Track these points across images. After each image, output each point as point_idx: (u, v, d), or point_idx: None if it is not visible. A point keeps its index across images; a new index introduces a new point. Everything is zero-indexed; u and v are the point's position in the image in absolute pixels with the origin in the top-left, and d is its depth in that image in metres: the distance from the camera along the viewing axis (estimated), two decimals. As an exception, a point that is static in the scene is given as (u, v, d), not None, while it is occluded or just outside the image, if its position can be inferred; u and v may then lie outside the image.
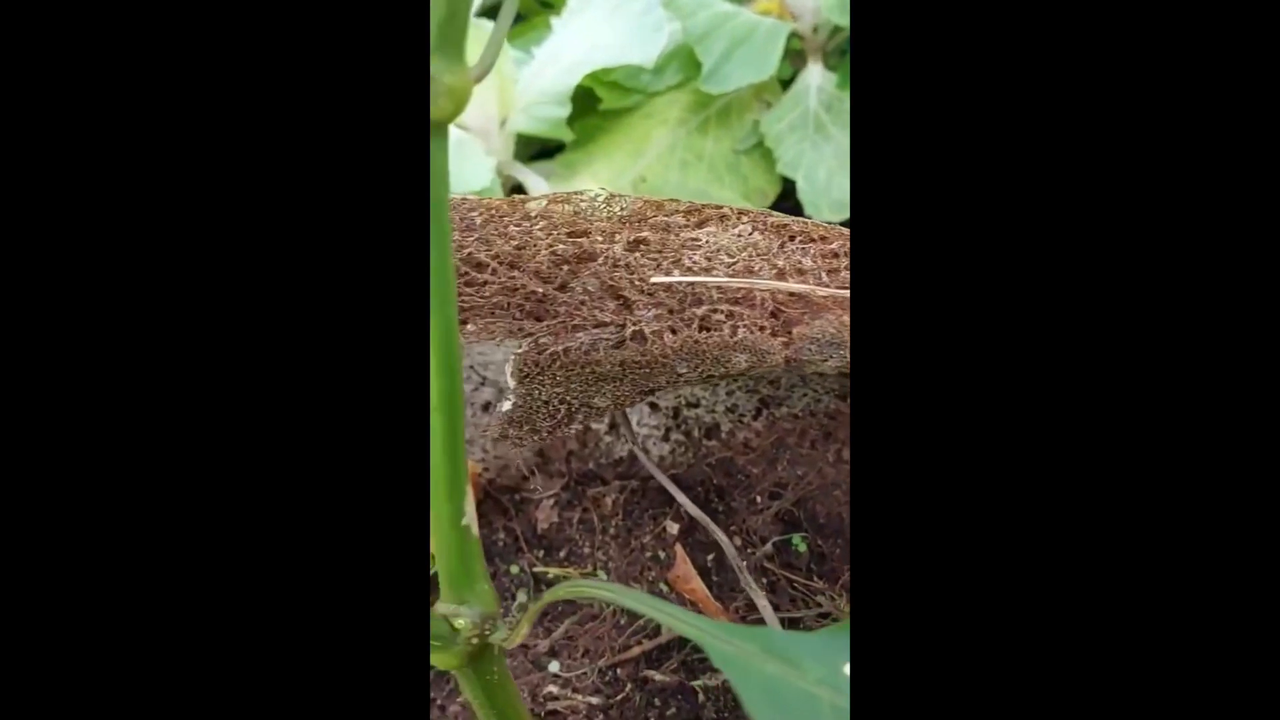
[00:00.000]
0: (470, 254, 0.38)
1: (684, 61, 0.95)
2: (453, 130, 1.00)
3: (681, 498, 0.51)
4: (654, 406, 0.57)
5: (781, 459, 0.54)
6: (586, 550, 0.56)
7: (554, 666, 0.51)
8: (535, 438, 0.39)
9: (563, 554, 0.57)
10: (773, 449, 0.54)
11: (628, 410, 0.54)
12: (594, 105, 0.96)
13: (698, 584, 0.51)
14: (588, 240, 0.36)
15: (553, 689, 0.50)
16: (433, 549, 0.33)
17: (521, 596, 0.55)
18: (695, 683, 0.50)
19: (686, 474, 0.57)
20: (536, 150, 1.01)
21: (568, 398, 0.37)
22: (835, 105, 0.92)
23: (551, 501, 0.59)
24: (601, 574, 0.54)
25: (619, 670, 0.50)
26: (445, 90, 0.26)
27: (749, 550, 0.53)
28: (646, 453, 0.56)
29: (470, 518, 0.32)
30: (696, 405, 0.56)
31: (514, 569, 0.57)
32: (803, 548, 0.52)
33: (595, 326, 0.33)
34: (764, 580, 0.52)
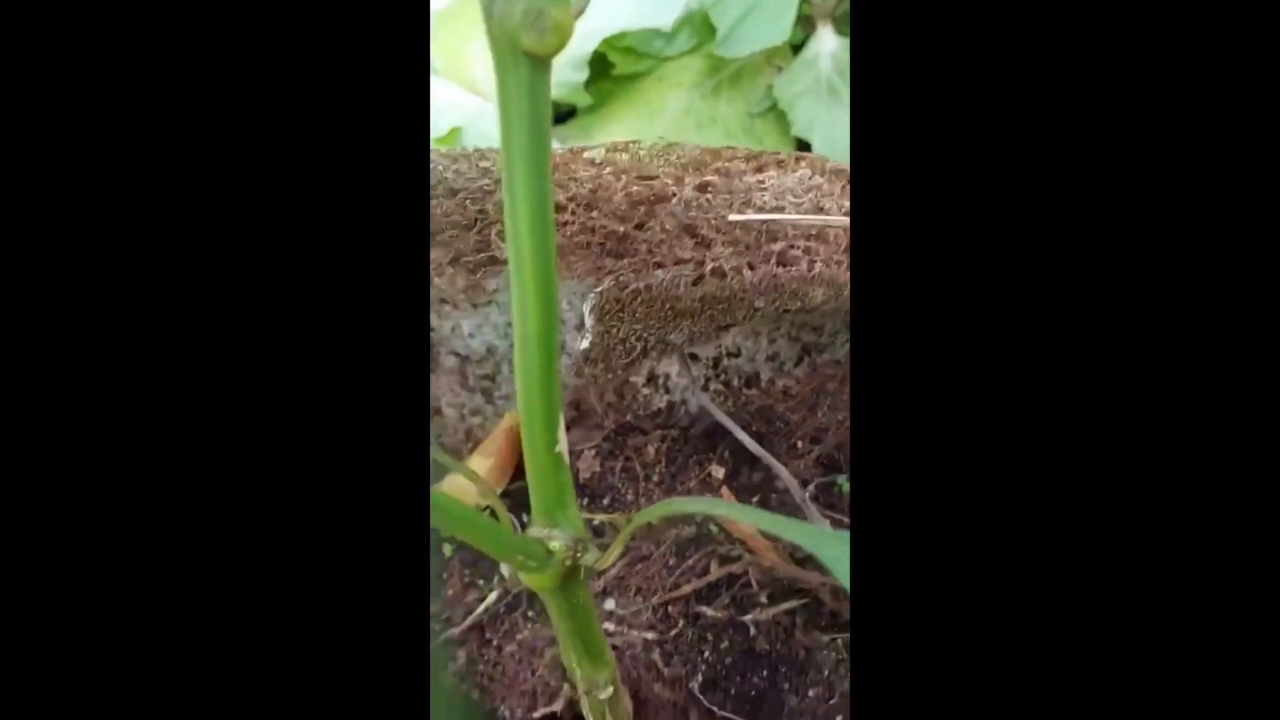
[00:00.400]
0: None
1: (697, 26, 0.96)
2: (474, 98, 1.00)
3: (738, 432, 0.53)
4: (694, 357, 0.59)
5: (822, 405, 0.56)
6: (630, 497, 0.58)
7: (609, 604, 0.52)
8: (609, 375, 0.40)
9: (606, 501, 0.58)
10: (813, 395, 0.56)
11: (670, 358, 0.56)
12: (607, 71, 0.97)
13: (745, 523, 0.53)
14: (658, 183, 0.37)
15: (609, 625, 0.51)
16: (527, 476, 0.35)
17: (571, 541, 0.57)
18: (746, 617, 0.52)
19: (721, 426, 0.59)
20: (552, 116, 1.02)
21: (644, 334, 0.39)
22: (847, 69, 0.93)
23: (593, 452, 0.61)
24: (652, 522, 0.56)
25: (670, 608, 0.52)
26: (551, 25, 0.28)
27: (790, 492, 0.55)
28: (705, 392, 0.58)
29: (563, 446, 0.34)
30: (737, 355, 0.57)
31: (561, 517, 0.58)
32: (846, 488, 0.54)
33: (675, 264, 0.35)
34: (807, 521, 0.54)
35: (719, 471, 0.56)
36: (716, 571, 0.53)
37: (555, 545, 0.34)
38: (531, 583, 0.35)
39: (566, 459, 0.34)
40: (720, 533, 0.54)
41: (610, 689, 0.40)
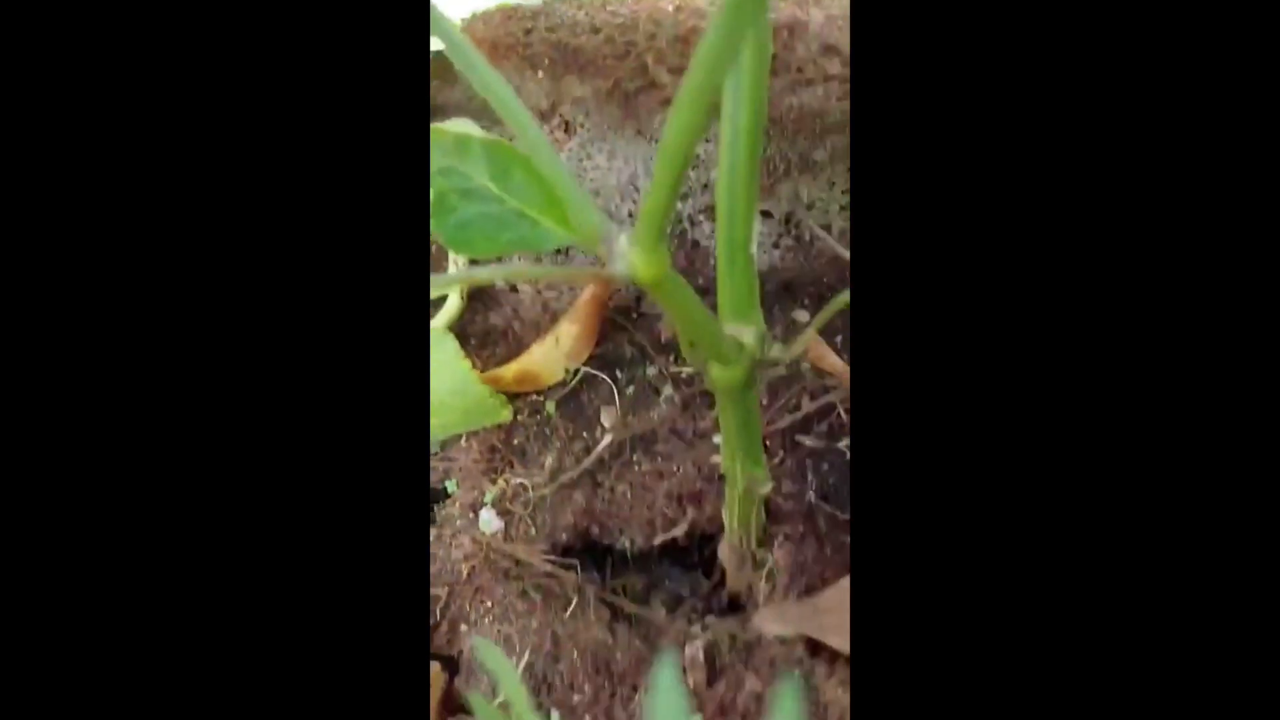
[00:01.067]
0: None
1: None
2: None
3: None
4: (765, 215, 0.62)
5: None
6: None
7: (715, 438, 0.57)
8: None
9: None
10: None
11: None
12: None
13: (832, 358, 0.58)
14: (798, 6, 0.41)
15: (714, 458, 0.56)
16: (719, 276, 0.38)
17: (667, 389, 0.60)
18: (840, 444, 0.56)
19: (797, 277, 0.63)
20: None
21: (789, 153, 0.42)
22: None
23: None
24: (740, 363, 0.60)
25: (769, 441, 0.57)
26: None
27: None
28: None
29: (754, 245, 0.37)
30: (811, 207, 0.61)
31: (649, 371, 0.62)
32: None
33: (825, 80, 0.38)
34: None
35: (803, 315, 0.60)
36: (809, 405, 0.57)
37: (748, 340, 0.38)
38: (722, 379, 0.39)
39: (755, 257, 0.37)
40: (810, 370, 0.59)
41: (768, 486, 0.44)
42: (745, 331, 0.38)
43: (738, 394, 0.40)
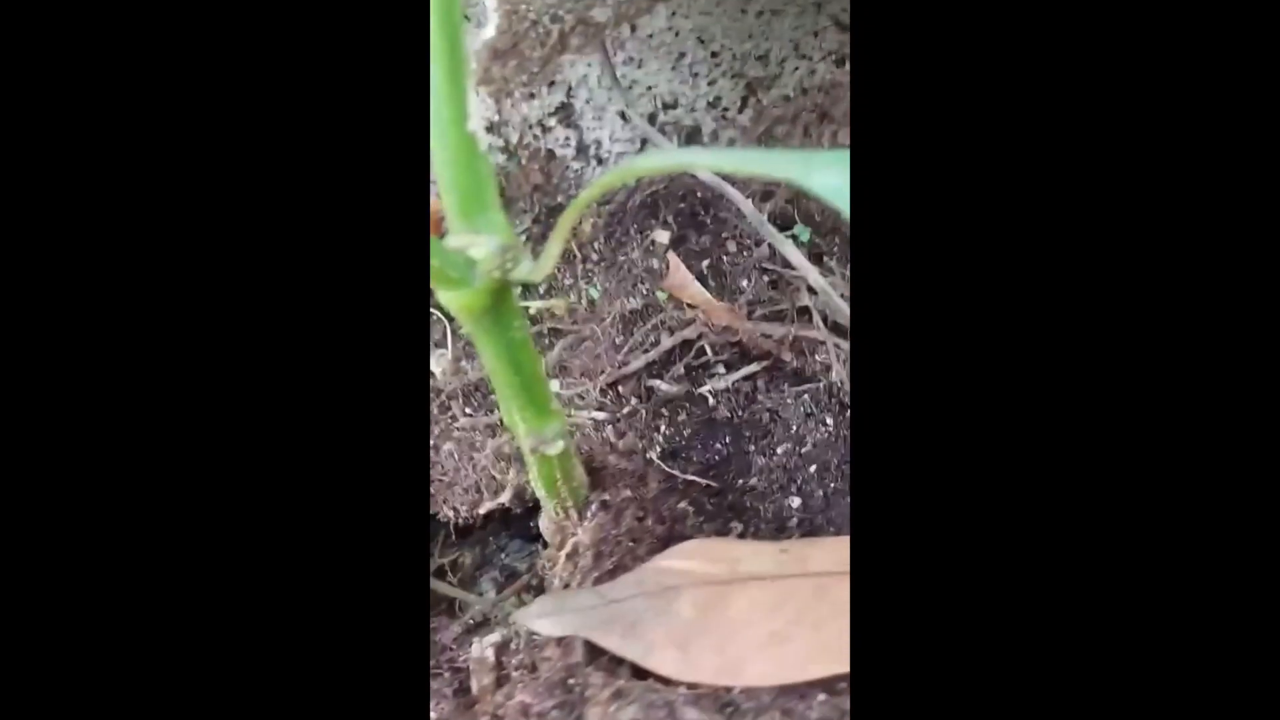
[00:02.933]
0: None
1: None
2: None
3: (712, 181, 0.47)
4: (623, 117, 0.52)
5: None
6: (569, 281, 0.52)
7: (553, 385, 0.47)
8: (523, 76, 0.33)
9: (542, 290, 0.53)
10: (762, 142, 0.50)
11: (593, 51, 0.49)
12: None
13: (696, 288, 0.48)
14: None
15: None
16: (437, 171, 0.29)
17: (505, 329, 0.51)
18: (703, 389, 0.47)
19: (668, 188, 0.53)
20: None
21: (561, 12, 0.32)
22: None
23: (524, 238, 0.55)
24: (590, 295, 0.50)
25: (621, 386, 0.48)
26: None
27: (744, 253, 0.50)
28: (634, 118, 0.51)
29: (476, 123, 0.28)
30: (674, 105, 0.51)
31: (491, 308, 0.52)
32: (805, 237, 0.49)
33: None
34: (764, 279, 0.49)
35: (663, 236, 0.50)
36: (668, 340, 0.48)
37: (478, 253, 0.28)
38: (456, 305, 0.30)
39: (481, 142, 0.27)
40: (669, 301, 0.49)
41: (560, 444, 0.35)
42: (477, 241, 0.28)
43: (488, 323, 0.31)
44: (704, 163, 0.25)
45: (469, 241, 0.29)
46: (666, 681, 0.29)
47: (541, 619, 0.32)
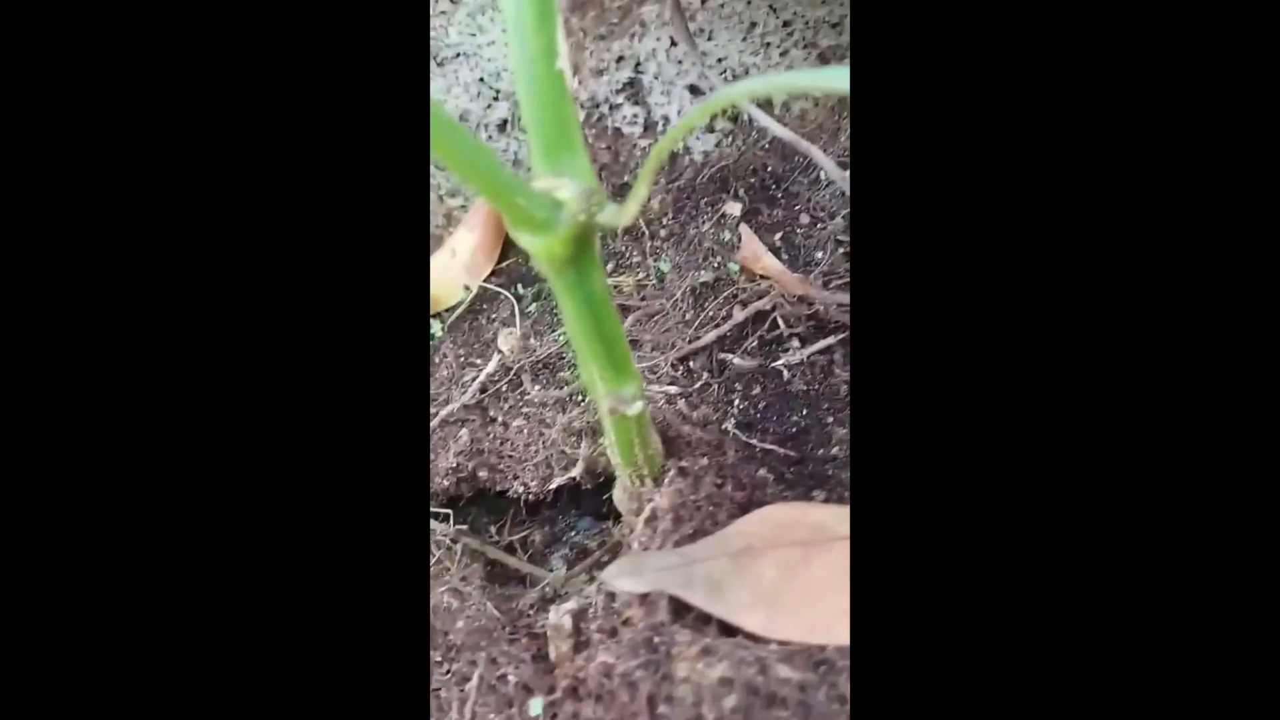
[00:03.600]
0: None
1: None
2: None
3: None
4: (695, 90, 0.52)
5: (845, 128, 0.49)
6: (637, 259, 0.52)
7: (624, 360, 0.47)
8: (601, 29, 0.33)
9: (610, 267, 0.52)
10: (834, 119, 0.49)
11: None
12: None
13: (769, 260, 0.47)
14: None
15: (625, 383, 0.46)
16: (523, 111, 0.28)
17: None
18: (777, 363, 0.46)
19: (738, 161, 0.52)
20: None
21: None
22: None
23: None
24: (660, 270, 0.50)
25: (692, 361, 0.47)
26: None
27: (818, 225, 0.49)
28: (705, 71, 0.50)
29: (564, 61, 0.27)
30: (746, 76, 0.50)
31: (559, 286, 0.52)
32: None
33: None
34: (839, 251, 0.48)
35: (735, 209, 0.49)
36: (741, 315, 0.47)
37: (564, 195, 0.28)
38: (538, 251, 0.29)
39: (570, 81, 0.27)
40: (741, 274, 0.48)
41: (639, 404, 0.34)
42: (561, 184, 0.28)
43: (571, 274, 0.30)
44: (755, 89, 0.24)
45: (554, 184, 0.28)
46: (755, 639, 0.28)
47: (624, 577, 0.31)
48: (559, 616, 0.35)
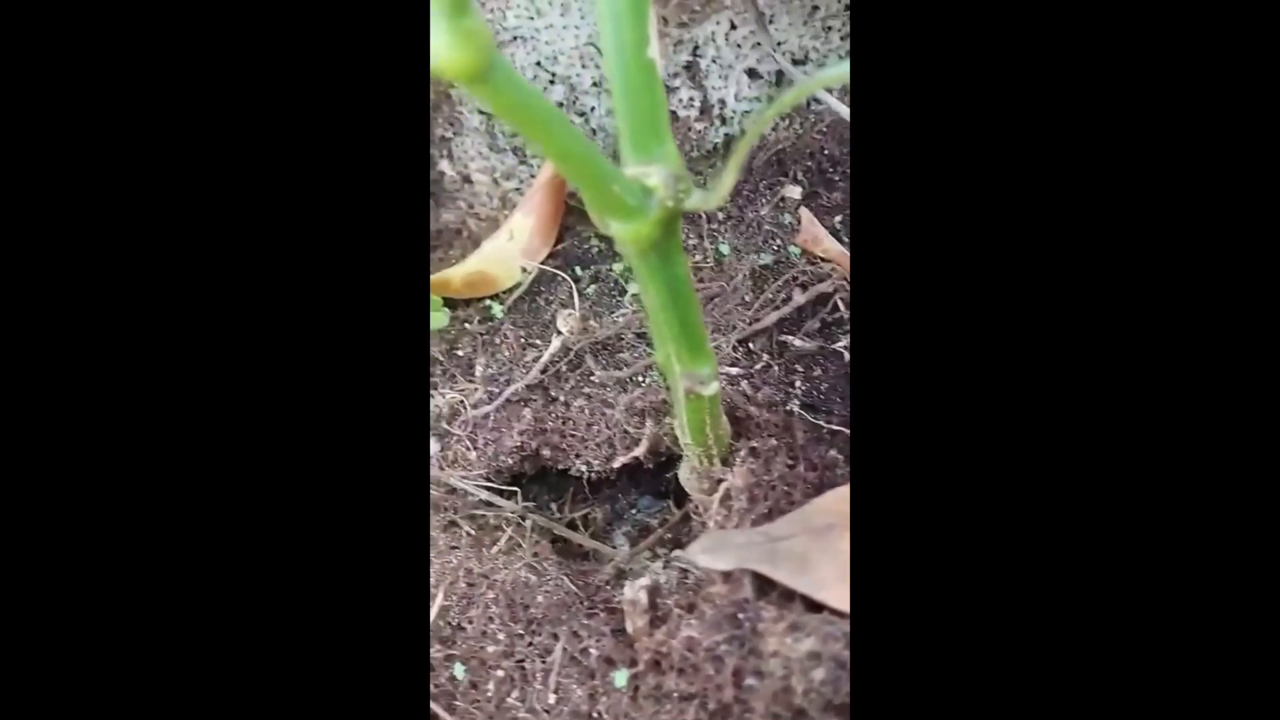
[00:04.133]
0: None
1: None
2: None
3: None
4: (752, 74, 0.52)
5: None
6: (694, 241, 0.52)
7: (686, 341, 0.47)
8: (684, 16, 0.33)
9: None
10: (894, 97, 0.49)
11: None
12: None
13: (830, 242, 0.47)
14: None
15: (687, 365, 0.46)
16: (614, 99, 0.29)
17: (634, 287, 0.51)
18: (836, 344, 0.46)
19: (795, 145, 0.52)
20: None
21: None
22: None
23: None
24: (721, 253, 0.50)
25: (753, 343, 0.47)
26: None
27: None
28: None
29: (655, 50, 0.28)
30: (805, 61, 0.51)
31: (616, 267, 0.53)
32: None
33: None
34: (899, 234, 0.48)
35: (795, 191, 0.50)
36: (801, 298, 0.47)
37: (653, 182, 0.28)
38: (627, 236, 0.30)
39: (660, 69, 0.27)
40: (802, 256, 0.48)
41: (715, 385, 0.35)
42: (650, 171, 0.29)
43: (655, 259, 0.31)
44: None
45: (644, 171, 0.29)
46: (840, 615, 0.29)
47: (707, 554, 0.32)
48: (635, 592, 0.36)
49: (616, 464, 0.46)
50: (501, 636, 0.36)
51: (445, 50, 0.22)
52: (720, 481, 0.38)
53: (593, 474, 0.47)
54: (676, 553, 0.34)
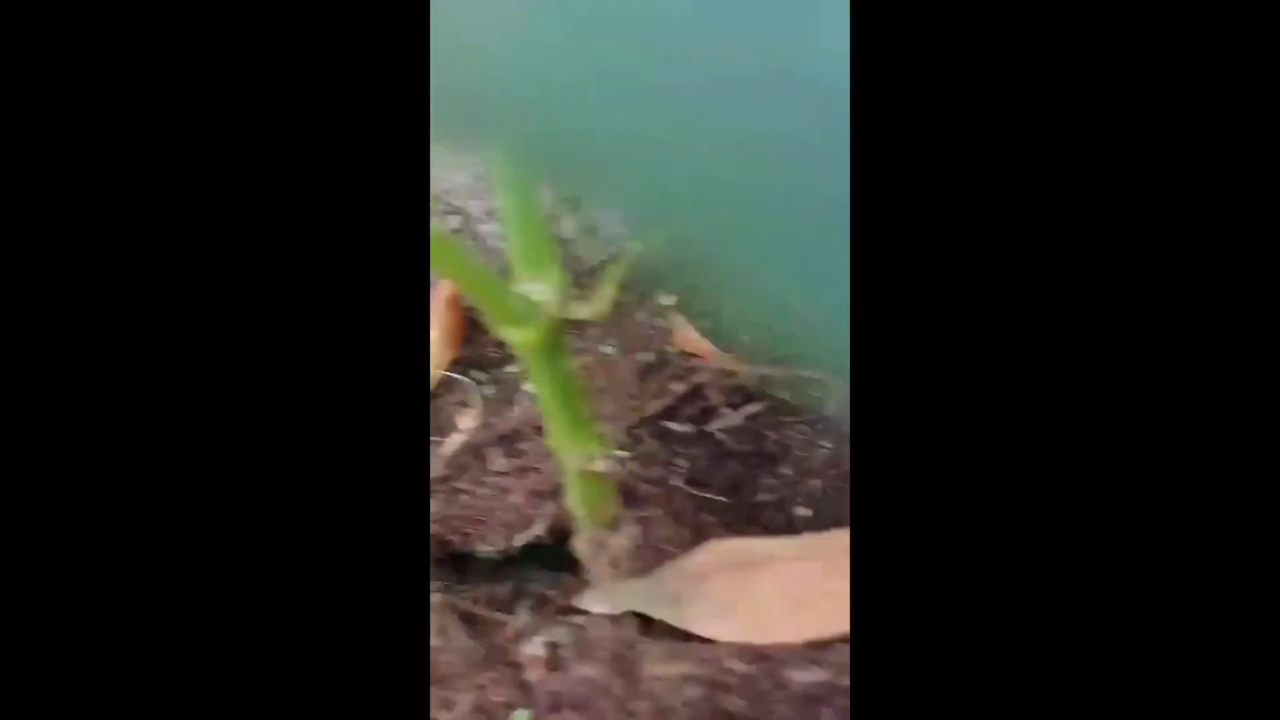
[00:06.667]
0: None
1: None
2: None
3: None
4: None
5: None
6: (583, 344, 0.59)
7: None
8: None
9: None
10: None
11: None
12: None
13: (699, 339, 0.55)
14: None
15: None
16: (509, 233, 0.36)
17: (530, 385, 0.57)
18: (709, 426, 0.54)
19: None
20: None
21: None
22: None
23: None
24: (607, 354, 0.57)
25: (637, 430, 0.54)
26: None
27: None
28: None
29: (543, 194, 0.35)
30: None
31: (513, 369, 0.59)
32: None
33: None
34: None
35: (669, 299, 0.58)
36: (677, 389, 0.54)
37: (542, 297, 0.35)
38: (519, 340, 0.36)
39: (547, 207, 0.35)
40: (678, 355, 0.56)
41: (603, 464, 0.41)
42: (538, 288, 0.35)
43: (543, 359, 0.37)
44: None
45: (533, 288, 0.35)
46: (712, 643, 0.35)
47: (597, 602, 0.37)
48: (534, 646, 0.41)
49: (518, 542, 0.52)
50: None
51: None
52: (611, 546, 0.44)
53: (495, 555, 0.52)
54: (580, 600, 0.39)
